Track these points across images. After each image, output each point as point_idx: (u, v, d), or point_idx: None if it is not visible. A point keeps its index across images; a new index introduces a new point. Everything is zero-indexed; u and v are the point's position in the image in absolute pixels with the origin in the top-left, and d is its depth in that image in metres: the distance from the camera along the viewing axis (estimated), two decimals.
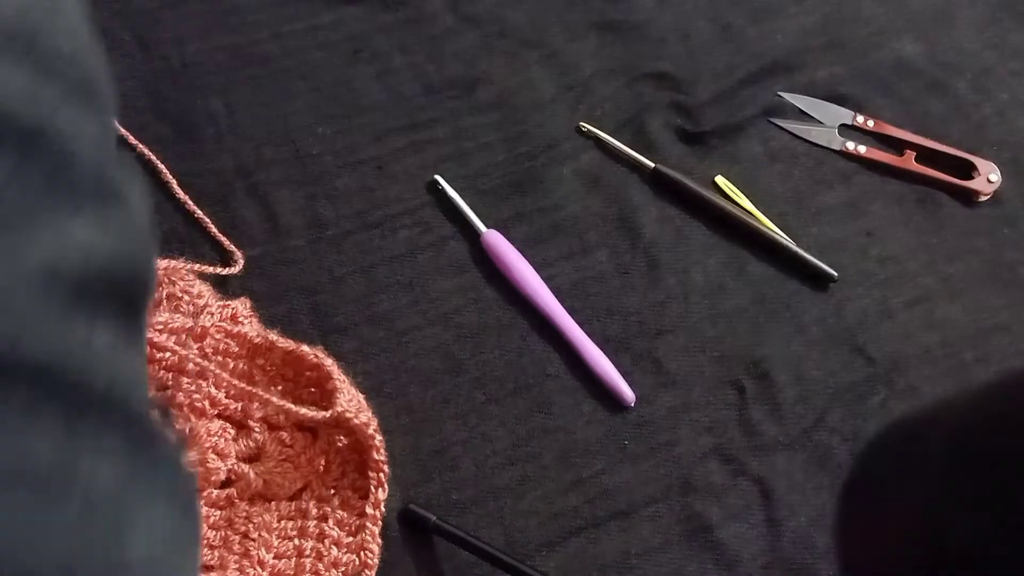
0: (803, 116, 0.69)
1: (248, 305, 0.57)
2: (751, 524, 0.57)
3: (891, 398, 0.61)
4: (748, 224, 0.64)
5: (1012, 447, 0.32)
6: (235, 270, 0.59)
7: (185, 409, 0.52)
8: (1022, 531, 0.31)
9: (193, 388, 0.52)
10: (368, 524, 0.52)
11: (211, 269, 0.58)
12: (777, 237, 0.64)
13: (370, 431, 0.52)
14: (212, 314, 0.54)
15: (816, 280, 0.63)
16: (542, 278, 0.61)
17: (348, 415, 0.51)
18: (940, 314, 0.63)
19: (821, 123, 0.69)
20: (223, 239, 0.60)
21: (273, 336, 0.54)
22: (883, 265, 0.65)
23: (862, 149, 0.68)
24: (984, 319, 0.64)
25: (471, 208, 0.63)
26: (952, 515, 0.34)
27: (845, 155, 0.68)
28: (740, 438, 0.59)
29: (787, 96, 0.69)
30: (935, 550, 0.35)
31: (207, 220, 0.61)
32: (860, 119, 0.69)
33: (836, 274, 0.63)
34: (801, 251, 0.63)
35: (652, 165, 0.65)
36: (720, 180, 0.66)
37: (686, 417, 0.59)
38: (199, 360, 0.52)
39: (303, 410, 0.51)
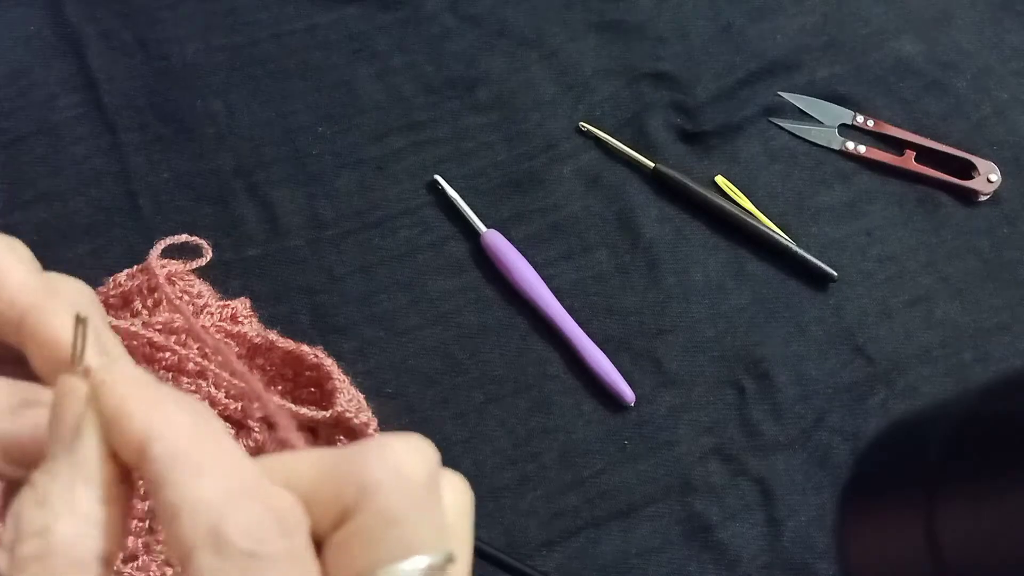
0: (803, 116, 0.69)
1: (248, 305, 0.57)
2: (751, 524, 0.57)
3: (891, 398, 0.61)
4: (748, 224, 0.64)
5: (1012, 447, 0.32)
6: (202, 263, 0.57)
7: None
8: (1022, 532, 0.31)
9: (193, 388, 0.52)
10: None
11: (197, 264, 0.55)
12: (777, 237, 0.64)
13: (370, 431, 0.52)
14: (212, 314, 0.54)
15: (816, 280, 0.63)
16: (542, 278, 0.61)
17: (348, 415, 0.51)
18: (940, 314, 0.63)
19: (821, 123, 0.69)
20: (190, 237, 0.57)
21: (273, 336, 0.54)
22: (883, 265, 0.65)
23: (862, 149, 0.68)
24: (984, 319, 0.64)
25: (471, 208, 0.63)
26: (952, 515, 0.34)
27: (845, 155, 0.68)
28: (740, 438, 0.59)
29: (787, 96, 0.69)
30: (935, 550, 0.35)
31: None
32: (860, 119, 0.69)
33: (836, 273, 0.63)
34: (801, 251, 0.63)
35: (652, 165, 0.65)
36: (720, 180, 0.66)
37: (686, 417, 0.59)
38: (199, 360, 0.52)
39: (303, 410, 0.51)
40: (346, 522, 0.24)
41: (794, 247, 0.63)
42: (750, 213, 0.64)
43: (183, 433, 0.24)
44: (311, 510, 0.25)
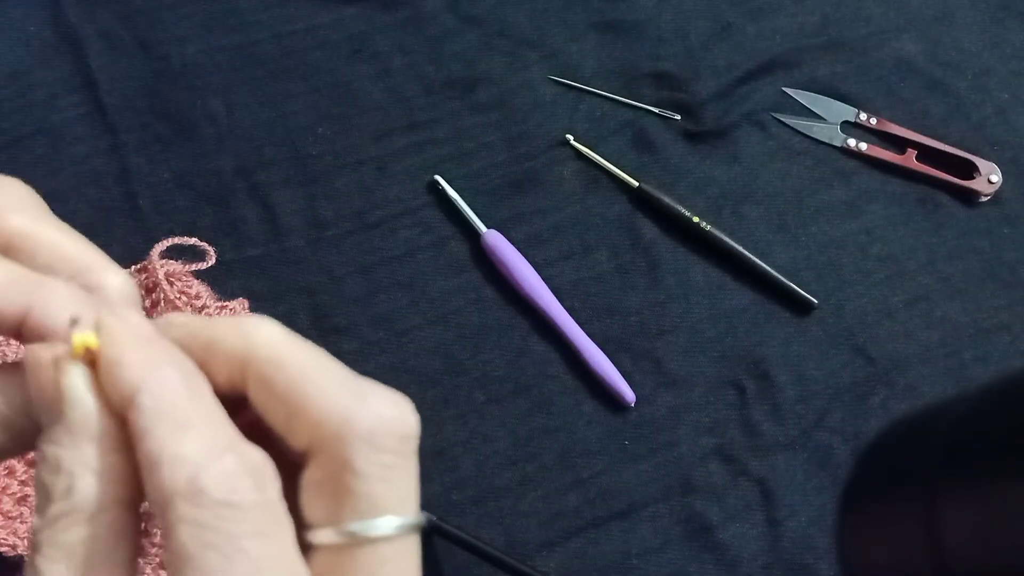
0: (806, 112, 0.69)
1: (246, 306, 0.57)
2: (751, 524, 0.57)
3: (891, 398, 0.61)
4: (732, 249, 0.63)
5: (1012, 447, 0.32)
6: (204, 266, 0.57)
7: None
8: (1022, 532, 0.31)
9: None
10: None
11: (199, 266, 0.57)
12: (759, 264, 0.63)
13: None
14: (210, 315, 0.54)
15: (798, 303, 0.63)
16: (542, 278, 0.61)
17: None
18: (940, 314, 0.63)
19: (824, 119, 0.69)
20: (195, 240, 0.58)
21: None
22: (883, 264, 0.65)
23: (863, 146, 0.67)
24: (984, 319, 0.63)
25: (471, 208, 0.63)
26: (952, 516, 0.34)
27: (846, 152, 0.68)
28: (740, 438, 0.59)
29: (792, 92, 0.69)
30: (935, 551, 0.35)
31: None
32: (863, 116, 0.69)
33: (816, 301, 0.63)
34: (782, 278, 0.63)
35: (636, 184, 0.65)
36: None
37: (686, 417, 0.59)
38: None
39: None
40: (314, 459, 0.25)
41: (774, 273, 0.63)
42: (733, 240, 0.64)
43: (171, 388, 0.25)
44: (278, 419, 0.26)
